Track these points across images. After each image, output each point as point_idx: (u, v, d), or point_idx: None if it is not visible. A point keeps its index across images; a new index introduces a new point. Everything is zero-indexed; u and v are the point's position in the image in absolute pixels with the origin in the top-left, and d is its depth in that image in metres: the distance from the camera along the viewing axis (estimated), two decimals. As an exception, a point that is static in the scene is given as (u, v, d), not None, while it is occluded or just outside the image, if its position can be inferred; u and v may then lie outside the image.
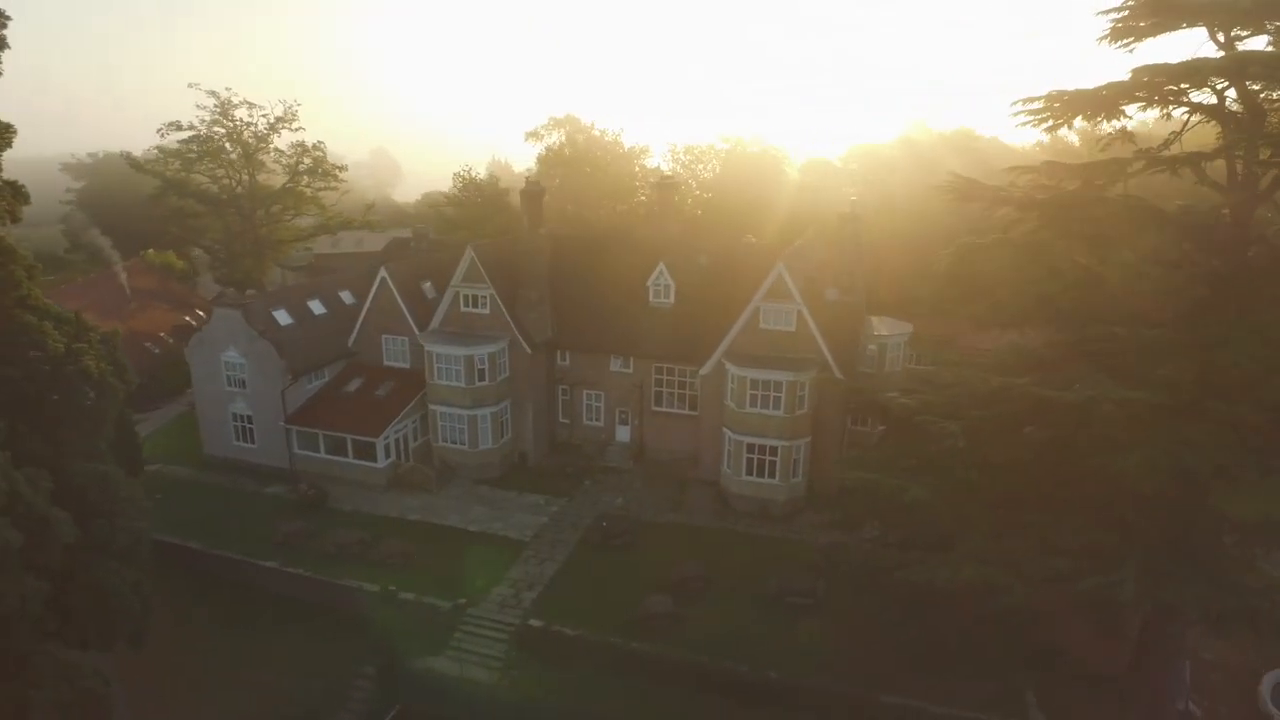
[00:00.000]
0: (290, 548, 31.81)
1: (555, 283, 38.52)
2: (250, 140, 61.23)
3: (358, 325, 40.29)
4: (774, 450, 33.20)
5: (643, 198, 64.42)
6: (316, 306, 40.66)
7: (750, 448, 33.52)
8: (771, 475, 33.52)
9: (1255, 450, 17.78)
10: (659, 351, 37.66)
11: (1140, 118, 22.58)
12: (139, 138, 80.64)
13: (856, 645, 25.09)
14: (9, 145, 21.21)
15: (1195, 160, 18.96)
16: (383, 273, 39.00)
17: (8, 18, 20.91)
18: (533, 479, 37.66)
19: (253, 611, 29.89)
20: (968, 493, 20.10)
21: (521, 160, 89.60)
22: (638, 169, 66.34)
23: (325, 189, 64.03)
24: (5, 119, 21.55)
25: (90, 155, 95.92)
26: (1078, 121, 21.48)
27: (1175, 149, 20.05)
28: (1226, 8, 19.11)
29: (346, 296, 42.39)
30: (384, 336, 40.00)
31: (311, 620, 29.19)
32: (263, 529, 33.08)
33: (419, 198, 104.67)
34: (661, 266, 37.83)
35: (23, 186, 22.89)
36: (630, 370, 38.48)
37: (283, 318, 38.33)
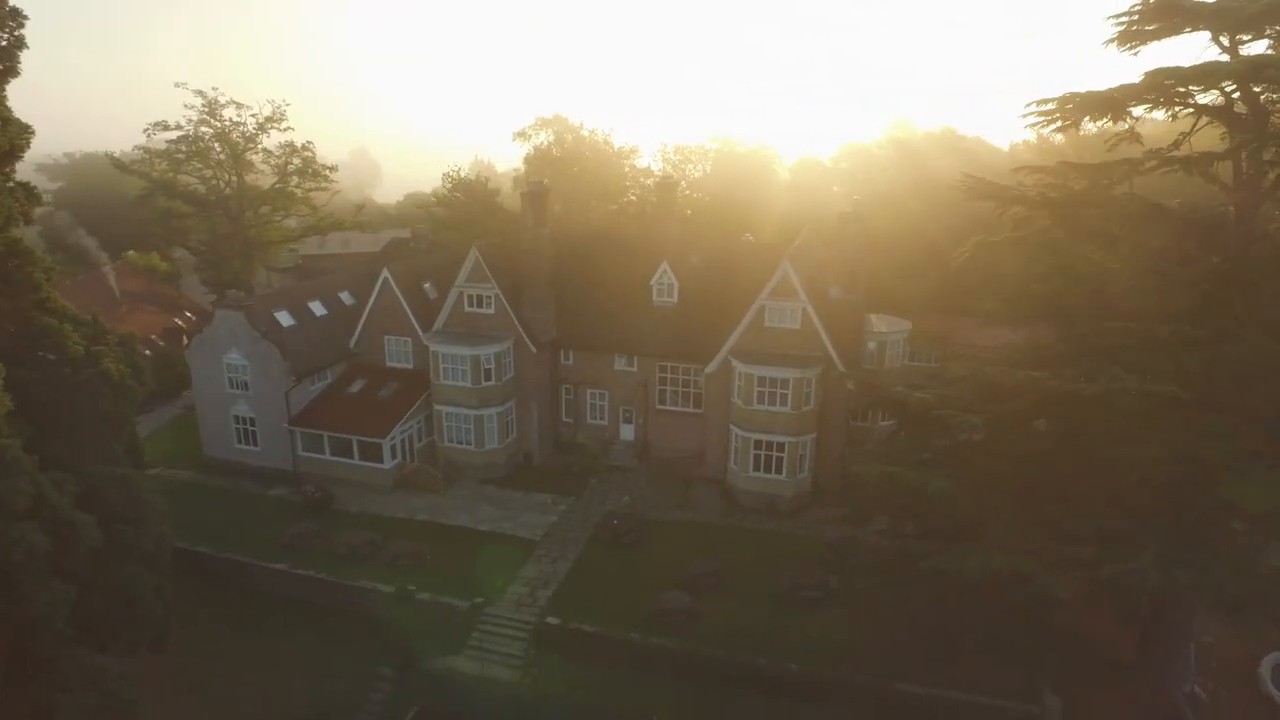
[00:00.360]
0: (298, 550, 31.63)
1: (558, 282, 38.64)
2: (238, 140, 60.36)
3: (360, 326, 40.11)
4: (781, 446, 33.62)
5: (633, 197, 64.57)
6: (317, 308, 40.43)
7: (758, 444, 33.91)
8: (779, 471, 33.94)
9: (1268, 440, 18.44)
10: (663, 350, 37.92)
11: (1143, 119, 23.33)
12: (114, 137, 79.15)
13: (872, 636, 25.52)
14: (27, 146, 20.95)
15: (1207, 160, 19.63)
16: (385, 273, 38.88)
17: (25, 17, 20.72)
18: (539, 478, 37.76)
19: (261, 614, 29.69)
20: (988, 484, 20.62)
21: (505, 161, 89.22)
22: (627, 169, 66.42)
23: (315, 189, 63.34)
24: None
25: (66, 155, 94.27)
26: (1085, 123, 22.23)
27: (1185, 149, 20.72)
28: (1232, 13, 19.84)
29: (346, 297, 42.19)
30: (387, 337, 39.87)
31: (323, 622, 29.08)
32: (268, 531, 32.86)
33: (401, 198, 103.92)
34: (665, 266, 38.09)
35: (35, 188, 22.72)
36: (634, 369, 38.70)
37: (285, 319, 38.06)
